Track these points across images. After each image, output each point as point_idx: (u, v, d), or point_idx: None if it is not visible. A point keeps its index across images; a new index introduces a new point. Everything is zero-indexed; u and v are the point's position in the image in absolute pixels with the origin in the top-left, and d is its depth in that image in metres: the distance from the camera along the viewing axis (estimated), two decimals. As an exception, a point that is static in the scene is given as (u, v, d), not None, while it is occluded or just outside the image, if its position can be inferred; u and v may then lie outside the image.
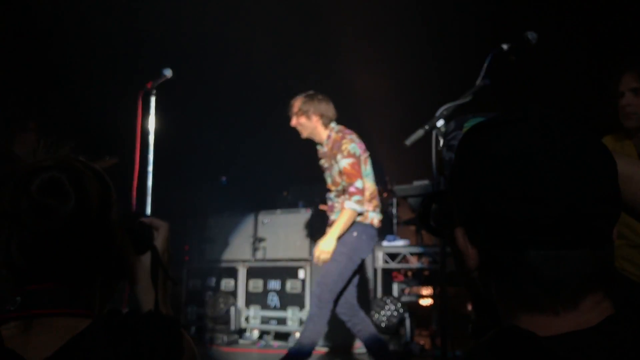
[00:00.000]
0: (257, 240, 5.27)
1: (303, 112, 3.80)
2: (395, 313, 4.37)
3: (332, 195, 3.77)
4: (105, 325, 0.83)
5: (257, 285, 5.10)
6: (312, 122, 3.79)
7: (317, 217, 5.02)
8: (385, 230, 5.07)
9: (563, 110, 0.74)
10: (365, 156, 3.75)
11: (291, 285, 4.96)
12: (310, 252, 4.95)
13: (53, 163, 0.85)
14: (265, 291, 5.05)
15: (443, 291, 2.27)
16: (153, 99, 3.13)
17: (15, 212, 0.81)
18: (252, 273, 5.21)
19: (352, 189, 3.53)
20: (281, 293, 4.98)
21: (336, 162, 3.65)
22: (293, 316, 4.89)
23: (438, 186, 2.19)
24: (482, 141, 0.71)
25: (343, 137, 3.65)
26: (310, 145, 7.50)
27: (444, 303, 2.28)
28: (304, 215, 5.11)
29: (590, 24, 5.08)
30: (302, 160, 7.09)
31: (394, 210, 5.34)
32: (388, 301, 4.46)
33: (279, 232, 5.14)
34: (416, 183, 4.84)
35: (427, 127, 2.09)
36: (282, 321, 4.93)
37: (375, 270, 4.74)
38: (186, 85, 4.73)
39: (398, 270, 5.20)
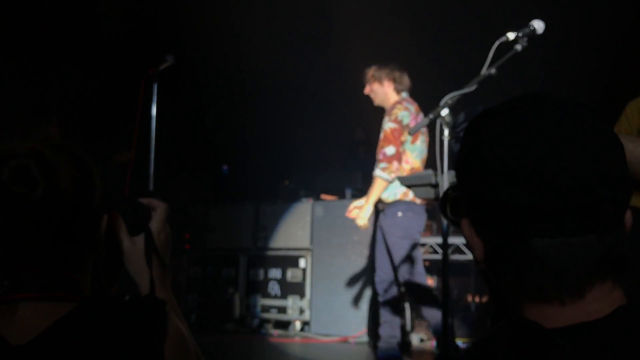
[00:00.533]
0: (258, 229, 5.27)
1: (376, 79, 3.70)
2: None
3: None
4: (90, 309, 0.84)
5: (258, 273, 5.10)
6: (384, 87, 3.69)
7: (319, 207, 5.01)
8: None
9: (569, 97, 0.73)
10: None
11: (292, 274, 4.96)
12: (311, 242, 4.96)
13: (23, 150, 0.85)
14: (266, 280, 5.06)
15: (445, 282, 2.27)
16: (155, 86, 3.11)
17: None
18: (253, 262, 5.22)
19: (380, 155, 3.44)
20: (282, 282, 4.99)
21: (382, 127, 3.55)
22: (293, 305, 4.90)
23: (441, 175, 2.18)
24: (486, 128, 0.70)
25: (399, 103, 3.56)
26: (313, 134, 7.48)
27: (446, 293, 2.28)
28: (305, 204, 5.10)
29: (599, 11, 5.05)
30: (304, 149, 7.10)
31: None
32: (388, 291, 4.44)
33: (280, 222, 5.14)
34: (419, 173, 4.82)
35: (431, 115, 2.07)
36: (282, 310, 4.94)
37: (374, 260, 4.73)
38: (188, 73, 4.71)
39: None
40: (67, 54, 5.43)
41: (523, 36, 2.39)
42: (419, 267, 3.56)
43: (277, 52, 6.32)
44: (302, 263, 4.95)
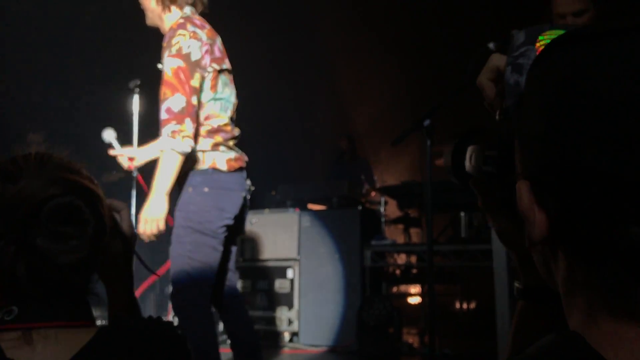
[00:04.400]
0: (245, 239, 5.26)
1: None
2: (383, 312, 4.38)
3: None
4: (111, 336, 0.83)
5: (246, 285, 5.09)
6: (159, 7, 2.50)
7: (305, 216, 5.02)
8: (373, 229, 5.08)
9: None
10: (216, 66, 2.45)
11: (280, 285, 4.95)
12: (299, 252, 4.95)
13: (66, 188, 0.84)
14: (254, 291, 5.04)
15: (431, 289, 2.28)
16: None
17: (30, 240, 0.80)
18: (240, 273, 5.21)
19: (164, 113, 2.32)
20: (270, 293, 4.98)
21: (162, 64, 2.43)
22: (282, 316, 4.89)
23: (424, 185, 2.19)
24: (575, 61, 0.48)
25: (182, 25, 2.39)
26: (298, 144, 7.49)
27: (432, 301, 2.29)
28: (292, 214, 5.10)
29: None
30: (290, 159, 7.12)
31: (382, 209, 5.36)
32: (376, 300, 4.47)
33: (267, 232, 5.13)
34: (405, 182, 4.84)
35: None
36: (271, 321, 4.93)
37: (363, 269, 4.75)
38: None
39: (386, 268, 5.22)
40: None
41: (504, 46, 2.42)
42: None
43: (265, 63, 6.33)
44: (289, 273, 4.94)
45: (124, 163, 2.71)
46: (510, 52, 0.63)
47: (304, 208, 5.18)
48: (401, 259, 5.53)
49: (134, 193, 3.13)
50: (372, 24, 7.51)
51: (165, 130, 2.24)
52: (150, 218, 2.21)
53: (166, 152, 2.24)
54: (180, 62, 2.28)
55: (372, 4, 7.30)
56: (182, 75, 2.27)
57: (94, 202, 0.86)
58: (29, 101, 5.55)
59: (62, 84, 5.61)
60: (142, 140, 2.92)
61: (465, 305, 6.04)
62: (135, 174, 2.73)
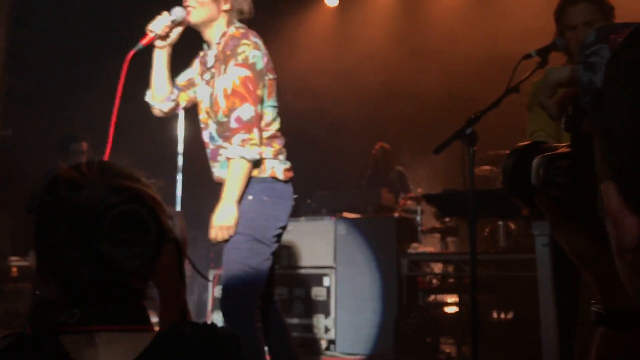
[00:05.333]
0: (281, 247, 5.30)
1: None
2: (421, 321, 4.35)
3: (214, 131, 2.50)
4: (169, 341, 0.86)
5: (282, 292, 5.12)
6: (216, 7, 2.46)
7: (341, 224, 5.03)
8: (409, 237, 5.06)
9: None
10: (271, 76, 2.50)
11: (316, 293, 4.97)
12: (335, 260, 4.96)
13: (129, 196, 0.87)
14: (291, 298, 5.06)
15: (474, 299, 2.26)
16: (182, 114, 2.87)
17: (94, 246, 0.83)
18: (277, 280, 5.23)
19: (233, 122, 2.35)
20: (306, 300, 4.99)
21: (225, 72, 2.41)
22: (318, 324, 4.90)
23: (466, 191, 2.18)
24: None
25: (244, 37, 2.41)
26: (334, 152, 7.49)
27: (475, 311, 2.27)
28: (327, 222, 5.12)
29: None
30: (326, 167, 7.14)
31: (418, 218, 5.34)
32: (414, 309, 4.44)
33: (303, 240, 5.16)
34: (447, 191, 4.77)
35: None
36: (307, 329, 4.94)
37: (400, 278, 4.73)
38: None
39: (423, 278, 5.19)
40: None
41: (545, 53, 2.41)
42: None
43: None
44: (326, 281, 4.95)
45: (156, 26, 2.38)
46: (581, 52, 0.61)
47: (339, 216, 5.20)
48: (438, 268, 5.48)
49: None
50: (404, 29, 7.51)
51: (235, 139, 2.30)
52: (222, 226, 2.29)
53: (236, 160, 2.29)
54: (247, 72, 2.34)
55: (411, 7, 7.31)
56: (250, 85, 2.33)
57: (155, 210, 0.88)
58: (78, 107, 5.69)
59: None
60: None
61: (502, 315, 5.95)
62: (138, 47, 2.30)
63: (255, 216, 2.37)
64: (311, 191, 5.84)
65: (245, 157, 2.29)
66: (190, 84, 2.64)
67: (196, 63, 2.66)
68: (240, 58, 2.34)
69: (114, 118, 2.03)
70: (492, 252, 4.56)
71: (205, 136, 2.55)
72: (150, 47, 2.45)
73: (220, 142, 2.46)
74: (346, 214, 5.31)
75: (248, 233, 2.35)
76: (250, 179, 2.37)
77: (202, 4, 2.41)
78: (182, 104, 2.67)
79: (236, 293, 2.32)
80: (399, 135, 7.06)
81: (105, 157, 1.96)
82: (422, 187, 6.25)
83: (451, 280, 5.35)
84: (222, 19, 2.47)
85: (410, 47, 7.30)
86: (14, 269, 5.52)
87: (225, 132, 2.41)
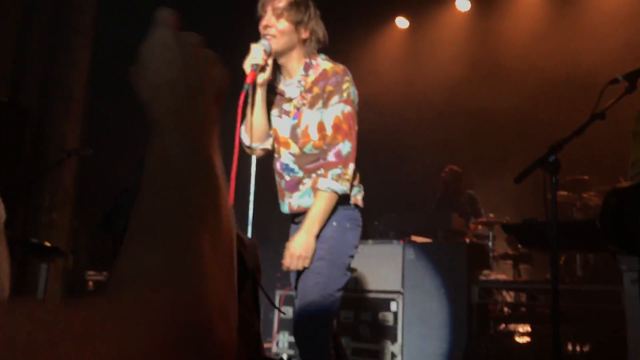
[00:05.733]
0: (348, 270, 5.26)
1: (292, 18, 2.41)
2: (492, 351, 4.20)
3: (291, 162, 2.51)
4: None
5: (348, 316, 5.07)
6: (296, 35, 2.43)
7: (410, 249, 4.95)
8: (480, 264, 4.92)
9: None
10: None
11: (383, 317, 4.89)
12: (403, 285, 4.88)
13: None
14: (357, 322, 5.01)
15: (556, 331, 2.15)
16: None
17: None
18: (343, 303, 5.19)
19: (331, 155, 2.37)
20: (373, 325, 4.93)
21: (325, 105, 2.41)
22: (385, 349, 4.82)
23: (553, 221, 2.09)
24: None
25: (346, 73, 2.44)
26: (404, 173, 7.42)
27: (557, 343, 2.16)
28: (396, 246, 5.05)
29: None
30: (394, 188, 7.07)
31: (490, 243, 5.18)
32: (484, 338, 4.30)
33: (370, 263, 5.10)
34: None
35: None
36: (374, 354, 4.87)
37: (470, 306, 4.60)
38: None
39: (494, 306, 5.02)
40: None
41: (635, 77, 2.30)
42: None
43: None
44: (393, 306, 4.88)
45: (256, 58, 2.28)
46: None
47: (407, 239, 5.12)
48: (510, 296, 5.30)
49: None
50: (477, 48, 7.39)
51: (330, 173, 2.33)
52: (300, 255, 2.30)
53: (327, 193, 2.33)
54: (350, 109, 2.39)
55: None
56: (351, 122, 2.39)
57: (239, 248, 0.88)
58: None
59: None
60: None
61: (578, 348, 5.67)
62: (246, 88, 2.21)
63: (337, 243, 2.39)
64: (379, 213, 5.79)
65: (337, 192, 2.33)
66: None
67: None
68: (345, 95, 2.38)
69: (235, 161, 1.96)
70: (569, 282, 4.37)
71: (278, 166, 2.56)
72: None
73: (300, 173, 2.47)
74: (415, 238, 5.22)
75: (330, 259, 2.36)
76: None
77: (283, 33, 2.40)
78: None
79: (313, 319, 2.31)
80: (469, 157, 6.92)
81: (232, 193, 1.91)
82: (494, 212, 6.08)
83: (523, 309, 5.16)
84: (301, 47, 2.47)
85: (483, 67, 7.18)
86: (91, 283, 5.73)
87: (307, 163, 2.44)
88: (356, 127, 2.43)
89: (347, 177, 2.35)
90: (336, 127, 2.36)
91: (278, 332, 5.54)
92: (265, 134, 2.54)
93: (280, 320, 5.58)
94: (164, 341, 0.40)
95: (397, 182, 7.17)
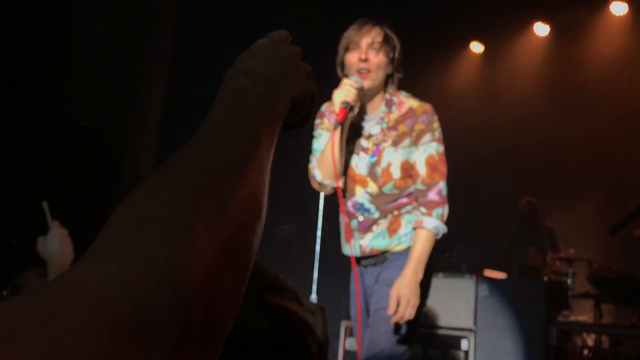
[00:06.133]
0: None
1: (387, 52, 2.34)
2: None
3: (367, 202, 2.41)
4: None
5: (416, 352, 4.88)
6: (385, 71, 2.35)
7: (483, 284, 4.72)
8: (559, 303, 4.64)
9: None
10: None
11: (453, 356, 4.68)
12: (475, 323, 4.65)
13: (275, 318, 0.79)
14: (426, 359, 4.81)
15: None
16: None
17: None
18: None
19: (433, 194, 2.30)
20: (442, 363, 4.71)
21: (413, 144, 2.34)
22: (455, 390, 4.59)
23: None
24: None
25: (432, 110, 2.37)
26: (477, 204, 7.20)
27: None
28: (468, 281, 4.83)
29: None
30: (467, 220, 6.84)
31: (570, 281, 4.89)
32: (563, 385, 4.02)
33: (441, 298, 4.91)
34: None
35: None
36: (442, 394, 4.65)
37: (547, 348, 4.32)
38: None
39: (573, 349, 4.72)
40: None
41: None
42: None
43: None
44: (464, 345, 4.65)
45: (349, 96, 2.22)
46: None
47: (480, 274, 4.90)
48: (591, 338, 4.97)
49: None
50: (557, 74, 7.10)
51: (435, 212, 2.28)
52: (408, 301, 2.15)
53: (431, 233, 2.24)
54: (443, 148, 2.37)
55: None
56: (444, 161, 2.36)
57: (304, 334, 0.79)
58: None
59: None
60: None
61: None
62: (336, 126, 2.18)
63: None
64: (450, 245, 5.60)
65: (439, 232, 2.27)
66: None
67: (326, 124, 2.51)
68: (436, 134, 2.34)
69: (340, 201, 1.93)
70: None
71: (350, 205, 2.45)
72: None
73: (377, 214, 2.37)
74: (488, 273, 4.99)
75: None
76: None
77: (379, 68, 2.31)
78: None
79: None
80: (546, 189, 6.62)
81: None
82: (571, 246, 5.76)
83: (604, 353, 4.82)
84: (383, 82, 2.38)
85: (561, 95, 6.89)
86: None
87: (385, 204, 2.34)
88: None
89: (445, 217, 2.29)
90: (433, 167, 2.31)
91: (343, 364, 5.40)
92: (341, 171, 2.44)
93: (345, 353, 5.45)
94: (109, 332, 0.32)
95: (470, 213, 6.93)
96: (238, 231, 0.46)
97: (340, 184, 2.43)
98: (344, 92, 2.21)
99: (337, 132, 2.29)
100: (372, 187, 2.37)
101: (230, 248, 0.45)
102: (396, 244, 2.36)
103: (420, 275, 2.20)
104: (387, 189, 2.33)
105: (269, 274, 0.86)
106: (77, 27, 5.17)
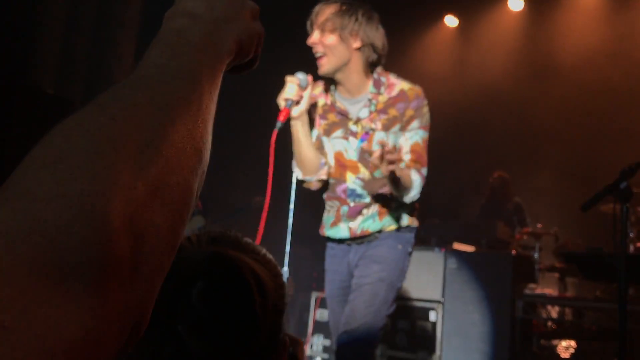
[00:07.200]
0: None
1: (336, 27, 2.22)
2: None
3: (359, 187, 2.40)
4: None
5: (385, 323, 4.94)
6: (345, 46, 2.24)
7: (452, 257, 4.79)
8: (525, 276, 4.73)
9: None
10: None
11: (421, 327, 4.75)
12: (443, 294, 4.73)
13: (211, 264, 0.75)
14: (394, 330, 4.88)
15: (622, 353, 1.99)
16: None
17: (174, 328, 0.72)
18: (381, 310, 5.07)
19: (419, 176, 2.31)
20: (410, 334, 4.79)
21: (404, 129, 2.30)
22: (422, 359, 4.68)
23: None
24: None
25: (424, 97, 2.33)
26: (446, 178, 7.26)
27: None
28: (437, 254, 4.89)
29: None
30: (437, 194, 6.89)
31: (536, 255, 4.98)
32: (527, 355, 4.13)
33: (410, 270, 4.95)
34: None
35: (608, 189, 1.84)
36: (409, 363, 4.74)
37: (513, 320, 4.42)
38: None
39: (538, 321, 4.83)
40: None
41: None
42: None
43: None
44: (432, 316, 4.73)
45: (289, 94, 2.17)
46: None
47: (449, 247, 4.96)
48: (555, 310, 5.09)
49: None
50: (528, 47, 7.13)
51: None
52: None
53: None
54: (427, 135, 2.35)
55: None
56: (427, 149, 2.35)
57: (296, 348, 0.77)
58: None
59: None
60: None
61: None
62: (279, 126, 2.14)
63: (398, 267, 2.38)
64: (420, 218, 5.63)
65: (415, 188, 2.27)
66: (319, 141, 2.48)
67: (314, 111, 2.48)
68: (424, 120, 2.31)
69: (267, 200, 1.96)
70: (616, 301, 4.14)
71: (340, 191, 2.42)
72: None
73: (368, 199, 2.36)
74: (457, 246, 5.06)
75: (390, 282, 2.33)
76: (403, 228, 2.40)
77: (331, 48, 2.23)
78: None
79: (364, 338, 2.24)
80: (516, 163, 6.69)
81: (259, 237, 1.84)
82: (541, 222, 5.86)
83: (568, 325, 4.95)
84: (357, 59, 2.28)
85: (534, 69, 6.93)
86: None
87: (377, 188, 2.35)
88: None
89: (419, 190, 2.32)
90: (417, 155, 2.31)
91: (312, 334, 5.45)
92: (318, 164, 2.40)
93: (315, 323, 5.49)
94: (16, 272, 0.30)
95: (440, 187, 6.99)
96: (172, 169, 0.44)
97: (323, 175, 2.40)
98: (285, 90, 2.17)
99: (299, 126, 2.26)
100: (364, 172, 2.35)
101: (164, 185, 0.42)
102: (388, 225, 2.39)
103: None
104: (379, 173, 2.31)
105: (228, 234, 0.83)
106: (42, -10, 4.99)
